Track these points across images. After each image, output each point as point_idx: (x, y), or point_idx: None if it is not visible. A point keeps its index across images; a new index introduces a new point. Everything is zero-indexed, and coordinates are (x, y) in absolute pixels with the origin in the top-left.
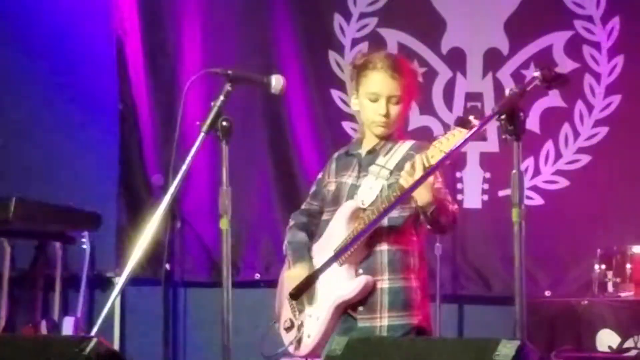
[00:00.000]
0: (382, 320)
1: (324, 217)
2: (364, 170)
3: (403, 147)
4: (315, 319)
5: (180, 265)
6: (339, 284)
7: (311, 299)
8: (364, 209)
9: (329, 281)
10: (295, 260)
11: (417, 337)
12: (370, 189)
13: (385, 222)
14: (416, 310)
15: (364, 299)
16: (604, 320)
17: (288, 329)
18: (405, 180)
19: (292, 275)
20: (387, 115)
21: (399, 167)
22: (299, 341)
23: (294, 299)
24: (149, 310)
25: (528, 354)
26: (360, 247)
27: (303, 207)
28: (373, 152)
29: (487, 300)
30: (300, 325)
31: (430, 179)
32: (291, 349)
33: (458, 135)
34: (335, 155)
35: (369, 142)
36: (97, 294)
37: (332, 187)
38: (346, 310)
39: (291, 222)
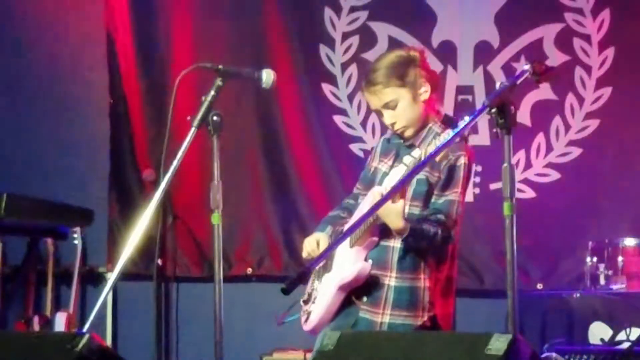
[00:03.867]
0: (384, 317)
1: (359, 200)
2: (399, 161)
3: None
4: (321, 296)
5: (172, 261)
6: (344, 266)
7: (327, 276)
8: None
9: (340, 262)
10: (315, 230)
11: (409, 332)
12: (397, 178)
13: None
14: (422, 312)
15: (369, 290)
16: (596, 313)
17: (306, 302)
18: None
19: (305, 240)
20: (394, 124)
21: (433, 163)
22: (308, 315)
23: (286, 293)
24: (141, 306)
25: (520, 348)
26: (370, 234)
27: (353, 191)
28: (411, 147)
29: (480, 293)
30: (313, 300)
31: (399, 206)
32: (302, 320)
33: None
34: (382, 138)
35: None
36: (89, 290)
37: (372, 170)
38: (351, 297)
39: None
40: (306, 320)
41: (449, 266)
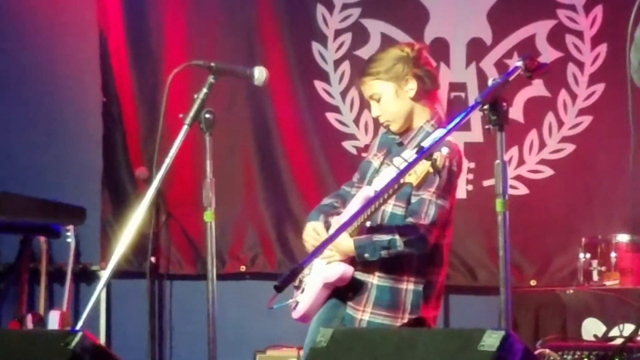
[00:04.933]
0: (364, 314)
1: (352, 192)
2: (389, 159)
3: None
4: (309, 288)
5: (165, 258)
6: (329, 265)
7: (316, 267)
8: None
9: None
10: (308, 219)
11: (402, 327)
12: (385, 179)
13: (386, 219)
14: (402, 313)
15: (354, 287)
16: (589, 309)
17: (296, 288)
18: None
19: (305, 234)
20: (379, 115)
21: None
22: (296, 304)
23: (278, 291)
24: (134, 304)
25: (513, 344)
26: (358, 234)
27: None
28: (401, 145)
29: (473, 290)
30: (303, 290)
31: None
32: (292, 307)
33: (425, 165)
34: (383, 132)
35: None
36: (83, 288)
37: (366, 162)
38: (337, 294)
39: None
40: (295, 308)
41: (436, 271)
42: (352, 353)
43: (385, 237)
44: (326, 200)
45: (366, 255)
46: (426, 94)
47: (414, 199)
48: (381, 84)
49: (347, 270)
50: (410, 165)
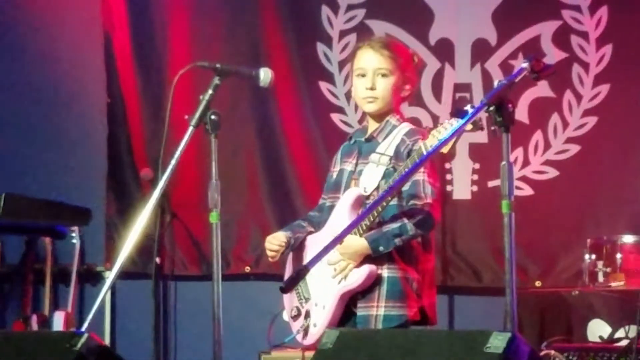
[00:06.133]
0: (379, 310)
1: (327, 204)
2: (364, 157)
3: (399, 131)
4: (321, 308)
5: (170, 259)
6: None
7: (317, 287)
8: (367, 196)
9: (335, 275)
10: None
11: (408, 329)
12: (371, 176)
13: (387, 213)
14: (412, 302)
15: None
16: (595, 310)
17: (295, 317)
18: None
19: (266, 242)
20: (373, 88)
21: (397, 153)
22: (305, 330)
23: (284, 292)
24: (139, 304)
25: (519, 346)
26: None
27: (319, 202)
28: (371, 140)
29: (478, 291)
30: (307, 314)
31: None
32: (299, 337)
33: (455, 125)
34: (343, 144)
35: (371, 127)
36: (88, 289)
37: (334, 175)
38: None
39: None
40: (305, 336)
41: (428, 258)
42: (358, 355)
43: (395, 225)
44: (296, 221)
45: (381, 248)
46: (406, 99)
47: (406, 185)
48: (393, 66)
49: (372, 268)
50: (454, 133)
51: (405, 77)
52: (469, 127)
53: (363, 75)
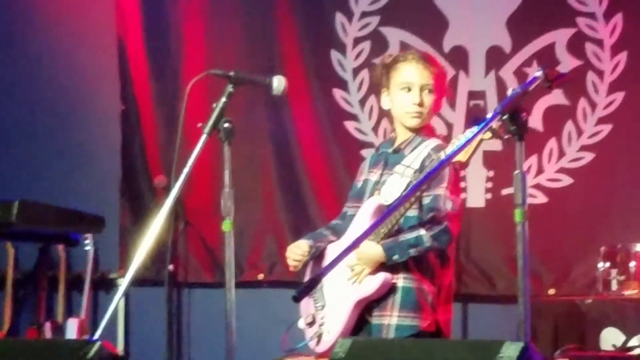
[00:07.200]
0: (392, 319)
1: (349, 212)
2: (389, 168)
3: (427, 145)
4: (336, 315)
5: (183, 266)
6: (362, 281)
7: (332, 294)
8: (388, 206)
9: (349, 277)
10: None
11: (421, 339)
12: (394, 186)
13: (401, 223)
14: (425, 314)
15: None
16: (608, 318)
17: (310, 324)
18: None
19: (288, 250)
20: (421, 104)
21: (422, 167)
22: (319, 337)
23: (297, 301)
24: (152, 312)
25: (532, 356)
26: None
27: (342, 210)
28: (398, 152)
29: (491, 298)
30: (322, 322)
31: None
32: (312, 344)
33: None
34: (370, 154)
35: (399, 139)
36: (101, 296)
37: (359, 184)
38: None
39: None
40: (318, 343)
41: (447, 273)
42: None
43: (411, 235)
44: (318, 230)
45: (395, 257)
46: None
47: (427, 199)
48: (438, 83)
49: (387, 276)
50: (469, 141)
51: (443, 92)
52: (488, 135)
53: (409, 89)
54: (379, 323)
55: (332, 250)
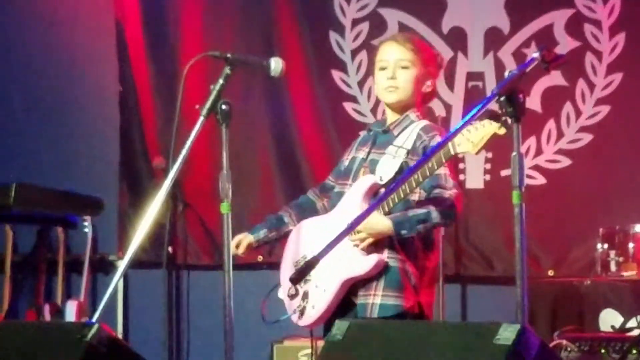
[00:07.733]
0: (375, 298)
1: (336, 189)
2: (377, 147)
3: (416, 127)
4: (322, 291)
5: (182, 248)
6: (351, 260)
7: (320, 269)
8: (382, 185)
9: (341, 255)
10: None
11: (417, 320)
12: (387, 166)
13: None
14: (409, 294)
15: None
16: (607, 299)
17: (292, 297)
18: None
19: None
20: (394, 78)
21: (413, 148)
22: (302, 311)
23: (294, 283)
24: (151, 294)
25: (529, 338)
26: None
27: (324, 182)
28: (387, 132)
29: (490, 280)
30: (305, 295)
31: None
32: (294, 317)
33: (488, 127)
34: (361, 133)
35: (389, 120)
36: (100, 278)
37: (347, 162)
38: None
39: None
40: (301, 317)
41: (432, 257)
42: (367, 346)
43: (421, 211)
44: (278, 213)
45: (404, 231)
46: (428, 98)
47: (426, 181)
48: (415, 59)
49: (380, 258)
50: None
51: (427, 71)
52: (503, 131)
53: (384, 68)
54: (364, 302)
55: (314, 225)
